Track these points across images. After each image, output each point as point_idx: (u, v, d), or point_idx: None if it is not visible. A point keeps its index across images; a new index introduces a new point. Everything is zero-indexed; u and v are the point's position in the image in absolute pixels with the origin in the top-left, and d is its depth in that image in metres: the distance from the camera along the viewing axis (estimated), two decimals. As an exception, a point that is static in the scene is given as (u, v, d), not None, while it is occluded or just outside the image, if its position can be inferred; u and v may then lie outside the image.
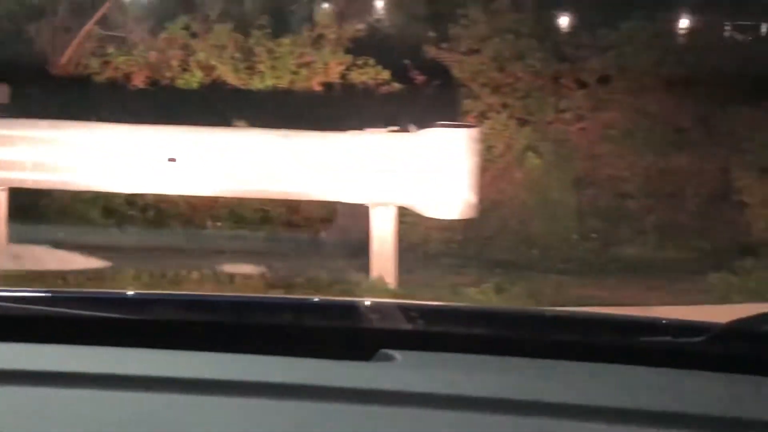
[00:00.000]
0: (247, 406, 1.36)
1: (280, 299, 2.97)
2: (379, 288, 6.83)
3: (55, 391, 1.40)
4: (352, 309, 1.89)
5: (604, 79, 8.62)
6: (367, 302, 1.94)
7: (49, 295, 1.95)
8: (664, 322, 1.81)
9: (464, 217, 7.01)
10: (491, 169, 8.49)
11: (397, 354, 1.55)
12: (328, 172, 6.86)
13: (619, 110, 8.53)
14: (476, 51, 8.75)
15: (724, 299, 6.80)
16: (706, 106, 8.13)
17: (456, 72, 8.77)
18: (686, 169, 8.15)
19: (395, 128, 6.94)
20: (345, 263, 7.32)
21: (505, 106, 8.66)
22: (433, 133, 6.84)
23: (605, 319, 1.97)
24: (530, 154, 8.50)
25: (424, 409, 1.34)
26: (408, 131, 6.92)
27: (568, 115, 8.64)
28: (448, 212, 6.90)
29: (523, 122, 8.63)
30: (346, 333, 1.73)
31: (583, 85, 8.65)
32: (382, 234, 6.95)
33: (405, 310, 1.82)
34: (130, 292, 3.11)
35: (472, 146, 6.92)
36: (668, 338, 1.67)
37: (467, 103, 8.65)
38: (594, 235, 8.26)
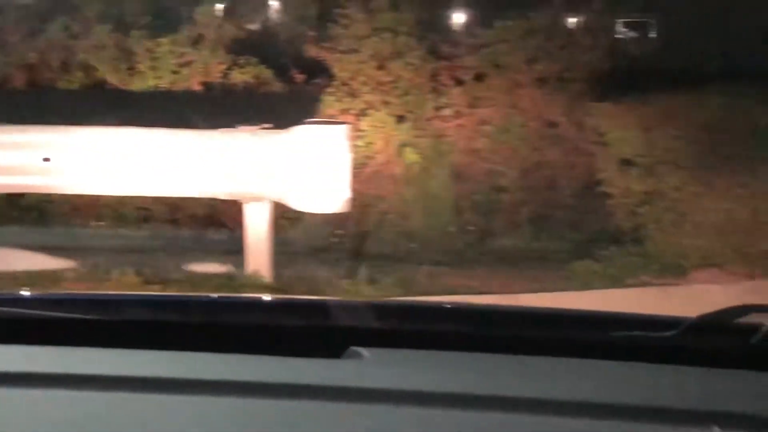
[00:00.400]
0: (217, 405, 1.36)
1: (250, 298, 2.99)
2: (254, 282, 6.98)
3: (23, 392, 1.40)
4: (322, 308, 1.88)
5: (480, 77, 8.86)
6: (337, 301, 2.00)
7: (17, 297, 1.96)
8: (635, 317, 1.80)
9: (339, 211, 7.19)
10: (370, 165, 8.69)
11: (366, 351, 1.56)
12: (202, 169, 6.99)
13: (494, 106, 8.77)
14: (355, 50, 8.93)
15: (586, 286, 7.08)
16: (576, 101, 8.42)
17: (336, 71, 8.94)
18: (557, 162, 8.42)
19: (268, 126, 7.09)
20: (223, 259, 7.45)
21: (384, 103, 8.85)
22: (306, 130, 7.01)
23: (576, 315, 1.97)
24: (409, 149, 8.70)
25: (394, 405, 1.35)
26: (280, 128, 7.07)
27: (445, 112, 8.86)
28: (321, 206, 7.07)
29: (402, 119, 8.83)
30: (316, 331, 1.73)
31: (459, 82, 8.88)
32: (257, 229, 7.09)
33: (374, 308, 1.84)
34: (99, 293, 3.15)
35: (345, 142, 7.09)
36: (639, 333, 1.67)
37: (347, 101, 8.82)
38: (470, 228, 8.50)
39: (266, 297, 3.19)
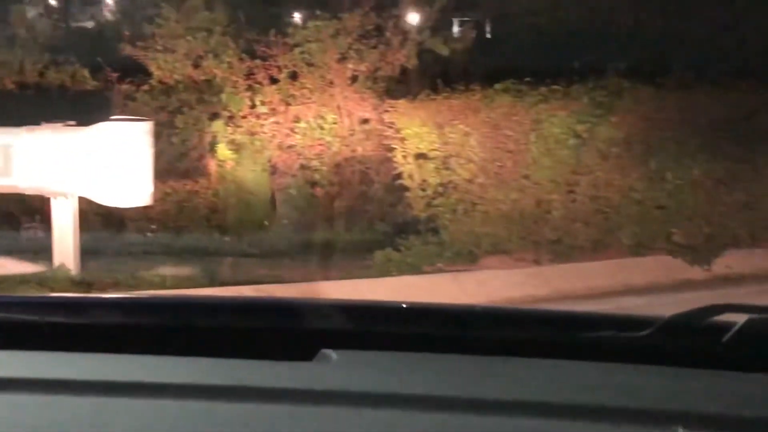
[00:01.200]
0: (186, 408, 1.35)
1: (219, 299, 2.95)
2: (61, 276, 7.14)
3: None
4: (293, 309, 1.89)
5: (294, 75, 9.14)
6: (308, 301, 2.05)
7: None
8: (607, 317, 1.79)
9: (143, 205, 7.40)
10: (185, 161, 8.91)
11: (337, 354, 1.56)
12: (6, 166, 7.12)
13: (308, 104, 9.07)
14: (170, 49, 9.12)
15: (385, 273, 7.45)
16: (385, 99, 8.76)
17: (153, 69, 9.11)
18: (367, 157, 8.77)
19: (71, 123, 7.25)
20: (32, 253, 7.59)
21: (199, 101, 9.07)
22: (110, 126, 7.20)
23: (548, 315, 1.95)
24: (223, 146, 8.94)
25: (366, 408, 1.35)
26: (86, 125, 7.24)
27: (260, 109, 9.11)
28: (124, 201, 7.27)
29: (216, 116, 9.06)
30: (287, 334, 1.71)
31: (274, 80, 9.15)
32: (63, 223, 7.26)
33: (345, 309, 1.84)
34: (63, 296, 3.12)
35: (147, 139, 7.31)
36: (612, 333, 1.66)
37: (162, 99, 9.01)
38: (284, 221, 8.80)
39: (237, 298, 3.16)
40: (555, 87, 7.59)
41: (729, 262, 7.95)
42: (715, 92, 7.87)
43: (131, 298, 2.80)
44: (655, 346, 1.60)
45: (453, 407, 1.36)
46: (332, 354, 1.55)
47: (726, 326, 1.58)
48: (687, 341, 1.60)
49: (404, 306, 2.00)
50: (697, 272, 7.83)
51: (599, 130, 7.55)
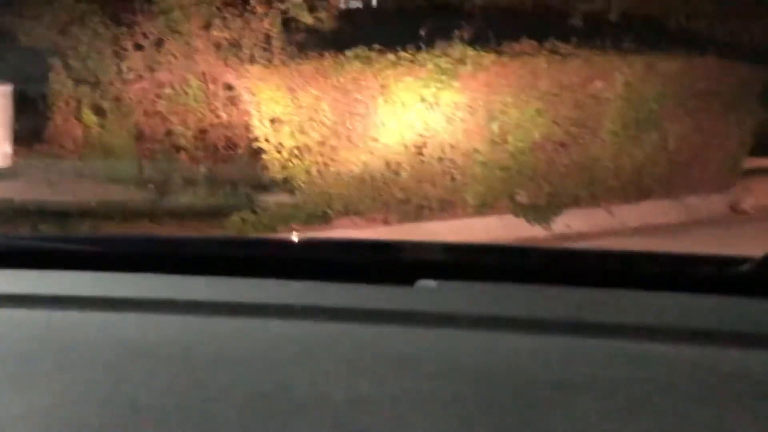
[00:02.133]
0: (288, 328, 1.38)
1: (321, 238, 3.10)
2: None
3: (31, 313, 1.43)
4: (391, 245, 1.99)
5: (159, 42, 9.35)
6: (404, 240, 1.98)
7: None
8: (708, 255, 1.82)
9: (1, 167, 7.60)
10: (50, 126, 9.11)
11: (435, 283, 1.62)
12: None
13: (173, 71, 9.30)
14: (38, 16, 9.27)
15: (242, 233, 7.75)
16: (247, 65, 9.03)
17: (21, 36, 9.26)
18: (230, 123, 9.04)
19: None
20: None
21: (66, 66, 9.26)
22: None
23: (648, 254, 2.00)
24: (88, 111, 9.15)
25: (464, 330, 1.37)
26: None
27: (127, 76, 9.32)
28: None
29: (83, 82, 9.25)
30: (387, 265, 1.77)
31: (140, 47, 9.36)
32: None
33: (443, 247, 1.96)
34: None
35: (8, 102, 7.50)
36: (713, 268, 1.71)
37: (30, 64, 9.16)
38: (150, 186, 9.04)
39: (338, 237, 3.22)
40: (403, 54, 7.95)
41: (568, 220, 8.44)
42: (554, 59, 8.31)
43: (237, 237, 3.06)
44: (755, 280, 1.62)
45: (555, 331, 1.37)
46: (431, 283, 1.61)
47: None
48: None
49: (505, 245, 2.14)
50: (537, 230, 8.30)
51: (444, 95, 7.95)
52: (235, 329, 1.38)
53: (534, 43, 8.47)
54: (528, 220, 8.32)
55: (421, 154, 8.00)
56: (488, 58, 8.07)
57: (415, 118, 7.94)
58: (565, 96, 8.35)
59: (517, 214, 8.31)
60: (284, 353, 1.28)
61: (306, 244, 2.05)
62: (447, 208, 8.15)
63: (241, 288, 1.61)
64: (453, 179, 8.10)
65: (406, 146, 7.94)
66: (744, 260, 1.66)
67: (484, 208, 8.21)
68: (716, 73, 9.27)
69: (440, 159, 8.03)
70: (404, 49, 8.03)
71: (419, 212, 8.04)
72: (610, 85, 8.57)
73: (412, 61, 7.94)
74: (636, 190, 8.93)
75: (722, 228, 8.86)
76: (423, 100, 7.93)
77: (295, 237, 3.51)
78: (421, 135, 7.99)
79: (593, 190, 8.68)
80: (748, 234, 8.60)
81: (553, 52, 8.43)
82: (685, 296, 1.61)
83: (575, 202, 8.60)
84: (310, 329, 1.38)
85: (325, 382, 1.17)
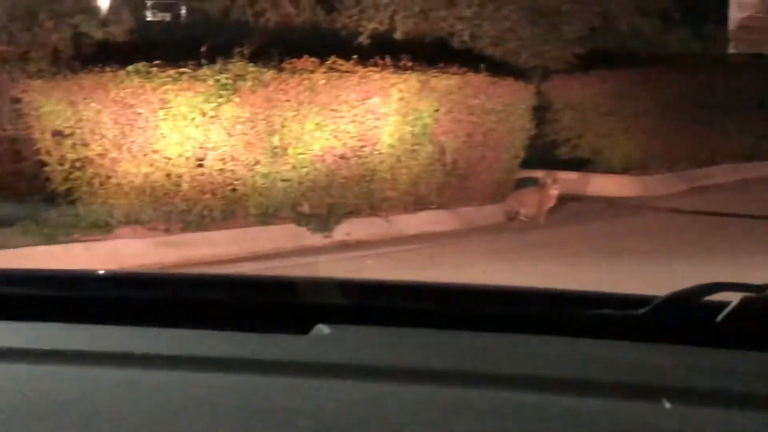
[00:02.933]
0: (182, 380, 1.35)
1: (215, 276, 3.00)
2: None
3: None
4: (289, 285, 1.89)
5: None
6: (304, 278, 1.94)
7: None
8: (604, 295, 1.77)
9: None
10: None
11: (332, 328, 1.57)
12: None
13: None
14: None
15: (24, 244, 7.84)
16: (35, 78, 9.09)
17: None
18: (18, 135, 9.09)
19: None
20: None
21: None
22: None
23: (545, 293, 1.93)
24: None
25: (360, 380, 1.35)
26: None
27: None
28: None
29: None
30: (283, 308, 1.71)
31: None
32: None
33: (341, 285, 1.85)
34: (59, 270, 3.03)
35: None
36: (608, 311, 1.66)
37: None
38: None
39: (232, 275, 3.13)
40: (183, 69, 8.20)
41: (349, 229, 8.83)
42: (333, 76, 8.72)
43: (130, 272, 2.84)
44: (651, 324, 1.59)
45: (447, 381, 1.36)
46: (326, 329, 1.56)
47: (722, 305, 1.57)
48: (682, 319, 1.60)
49: (400, 283, 2.03)
50: (318, 239, 8.66)
51: (224, 109, 8.23)
52: (114, 381, 1.34)
53: (314, 60, 8.84)
54: (310, 229, 8.67)
55: (202, 165, 8.26)
56: (268, 74, 8.40)
57: (195, 132, 8.20)
58: (343, 111, 8.75)
59: (299, 224, 8.64)
60: (158, 408, 1.24)
61: (195, 283, 1.99)
62: (229, 217, 8.42)
63: (121, 336, 1.55)
64: (234, 190, 8.38)
65: (187, 158, 8.19)
66: (641, 302, 1.63)
67: (266, 217, 8.51)
68: (489, 90, 9.85)
69: (221, 171, 8.31)
70: (186, 65, 8.28)
71: (201, 222, 8.29)
72: (386, 100, 9.01)
73: (193, 77, 8.19)
74: (413, 200, 9.40)
75: (494, 234, 9.42)
76: (204, 114, 8.20)
77: (181, 275, 3.39)
78: (202, 148, 8.26)
79: (372, 201, 9.10)
80: (518, 240, 9.19)
81: (332, 69, 8.83)
82: (579, 342, 1.58)
83: (355, 212, 9.00)
84: (190, 381, 1.34)
85: None
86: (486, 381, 1.37)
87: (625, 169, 11.85)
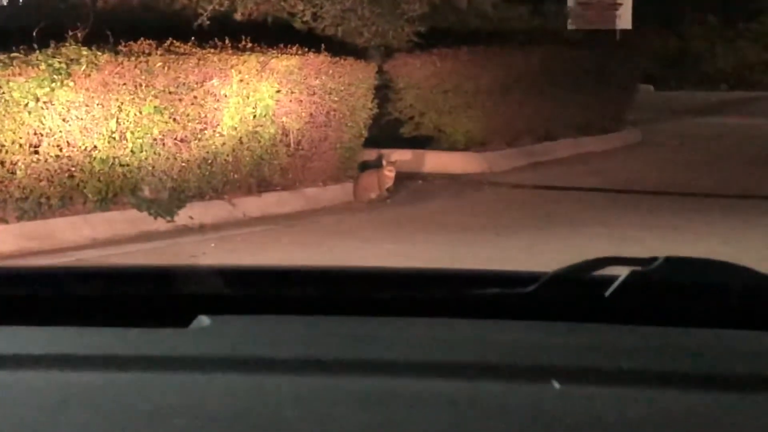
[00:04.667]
0: (61, 379, 1.29)
1: (86, 268, 2.79)
2: None
3: None
4: (169, 275, 1.81)
5: None
6: (184, 267, 1.87)
7: None
8: (491, 274, 1.75)
9: None
10: None
11: (214, 319, 1.51)
12: None
13: None
14: None
15: None
16: None
17: None
18: None
19: None
20: None
21: None
22: None
23: (430, 274, 1.90)
24: None
25: (241, 373, 1.31)
26: None
27: None
28: None
29: None
30: (162, 300, 1.64)
31: None
32: None
33: (222, 274, 1.78)
34: None
35: None
36: (495, 290, 1.61)
37: None
38: None
39: (105, 266, 2.86)
40: (14, 54, 7.98)
41: (191, 213, 8.76)
42: (170, 59, 8.61)
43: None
44: (539, 302, 1.56)
45: (331, 369, 1.33)
46: (207, 320, 1.51)
47: (609, 279, 1.55)
48: (571, 296, 1.57)
49: (284, 269, 1.98)
50: (161, 223, 8.57)
51: (59, 94, 8.05)
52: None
53: (151, 42, 8.72)
54: (151, 214, 8.56)
55: (37, 152, 8.06)
56: (103, 57, 8.24)
57: (29, 118, 7.99)
58: (182, 93, 8.66)
59: (140, 209, 8.53)
60: (31, 410, 1.19)
61: (65, 276, 1.87)
62: (67, 204, 8.26)
63: None
64: (72, 176, 8.22)
65: (21, 145, 7.98)
66: (531, 279, 1.59)
67: (106, 203, 8.37)
68: (330, 70, 9.88)
69: (58, 157, 8.13)
70: (17, 50, 8.06)
71: (38, 209, 8.10)
72: (226, 82, 8.96)
73: (25, 62, 7.98)
74: (257, 182, 9.39)
75: (339, 214, 9.49)
76: (37, 99, 8.00)
77: (53, 268, 3.15)
78: (37, 134, 8.06)
79: (215, 184, 9.05)
80: (362, 219, 9.27)
81: (170, 51, 8.72)
82: (466, 323, 1.56)
83: (198, 196, 8.93)
84: (64, 381, 1.29)
85: None
86: (371, 368, 1.35)
87: (467, 146, 12.06)
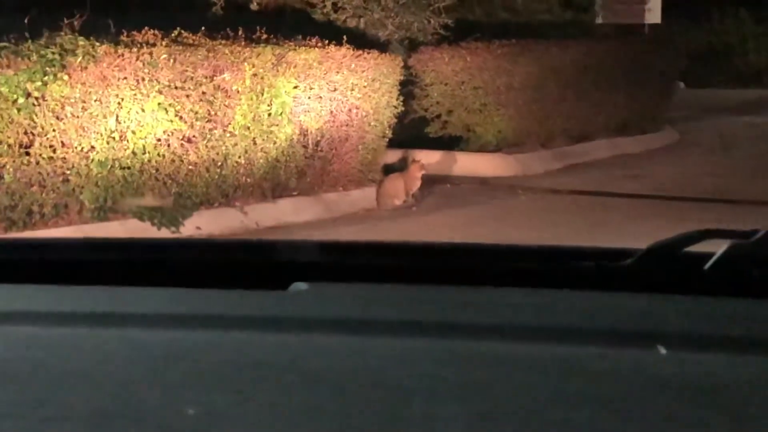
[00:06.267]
0: (167, 337, 1.33)
1: (190, 240, 2.87)
2: None
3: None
4: (264, 246, 1.88)
5: None
6: (279, 240, 1.99)
7: None
8: (588, 249, 1.75)
9: None
10: None
11: (311, 285, 1.55)
12: None
13: None
14: None
15: None
16: None
17: None
18: None
19: None
20: None
21: None
22: None
23: (528, 249, 1.93)
24: None
25: (343, 335, 1.33)
26: None
27: None
28: None
29: None
30: (260, 268, 1.70)
31: None
32: None
33: (316, 246, 1.83)
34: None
35: None
36: (593, 263, 1.63)
37: None
38: None
39: (207, 239, 2.94)
40: (3, 44, 7.16)
41: (199, 222, 7.93)
42: (177, 50, 7.78)
43: (105, 239, 2.65)
44: (637, 274, 1.58)
45: (431, 332, 1.34)
46: (304, 285, 1.55)
47: (708, 254, 1.55)
48: (668, 269, 1.58)
49: (379, 242, 2.03)
50: (165, 234, 7.73)
51: (52, 89, 7.21)
52: (85, 340, 1.32)
53: (156, 32, 7.89)
54: (154, 224, 7.73)
55: (28, 154, 7.23)
56: (102, 48, 7.41)
57: (19, 116, 7.16)
58: (189, 89, 7.82)
59: (142, 218, 7.70)
60: (138, 366, 1.22)
61: (170, 246, 2.00)
62: (62, 213, 7.43)
63: (98, 296, 1.53)
64: (67, 181, 7.39)
65: (10, 146, 7.15)
66: (625, 254, 1.61)
67: (104, 211, 7.54)
68: (352, 64, 9.04)
69: (51, 159, 7.29)
70: (6, 39, 7.23)
71: (29, 218, 7.27)
72: (238, 76, 8.11)
73: (15, 52, 7.15)
74: (272, 187, 8.54)
75: (361, 224, 8.63)
76: (28, 95, 7.16)
77: (159, 240, 3.26)
78: (27, 133, 7.22)
79: (225, 189, 8.21)
80: (386, 230, 8.42)
81: (176, 42, 7.89)
82: (565, 293, 1.57)
83: (207, 202, 8.10)
84: (170, 338, 1.32)
85: (179, 395, 1.13)
86: (474, 331, 1.35)
87: (498, 147, 11.18)
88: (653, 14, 16.81)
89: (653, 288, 1.55)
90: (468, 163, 10.68)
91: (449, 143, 10.98)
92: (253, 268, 1.70)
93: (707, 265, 1.53)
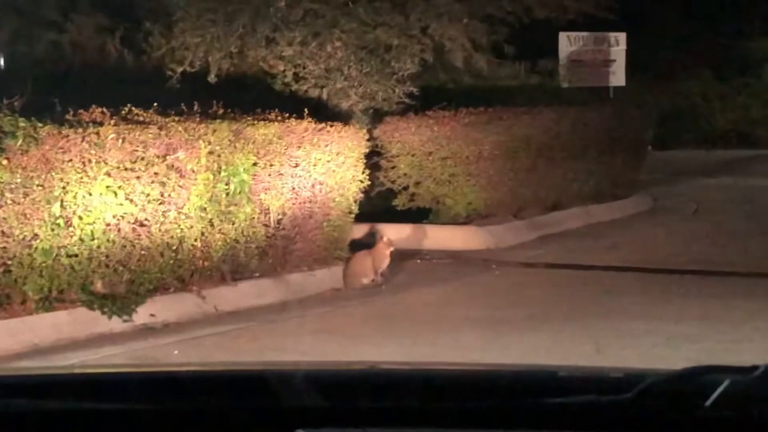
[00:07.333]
0: None
1: (185, 372, 2.51)
2: None
3: None
4: (268, 384, 1.80)
5: None
6: (282, 373, 1.88)
7: None
8: (586, 377, 1.76)
9: None
10: None
11: None
12: None
13: None
14: None
15: None
16: None
17: None
18: None
19: None
20: None
21: None
22: None
23: (528, 377, 1.89)
24: None
25: None
26: None
27: None
28: None
29: None
30: (263, 413, 1.67)
31: None
32: None
33: (320, 383, 1.78)
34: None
35: None
36: (592, 397, 1.61)
37: None
38: None
39: (206, 371, 2.67)
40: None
41: (153, 309, 7.42)
42: (127, 129, 7.31)
43: (103, 372, 2.49)
44: (638, 410, 1.56)
45: None
46: None
47: (708, 389, 1.55)
48: (668, 405, 1.57)
49: (380, 371, 2.01)
50: (116, 323, 7.22)
51: (-11, 174, 6.72)
52: None
53: (105, 110, 7.43)
54: (105, 313, 7.21)
55: (-37, 244, 6.71)
56: (44, 129, 6.92)
57: (-45, 203, 6.65)
58: (140, 170, 7.33)
59: (91, 307, 7.17)
60: None
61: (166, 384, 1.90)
62: (3, 304, 6.90)
63: None
64: (8, 271, 6.87)
65: (-55, 236, 6.62)
66: (628, 384, 1.60)
67: (49, 302, 7.01)
68: (314, 138, 8.61)
69: (-10, 248, 6.77)
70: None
71: (-33, 313, 6.73)
72: (193, 155, 7.64)
73: (-50, 135, 6.66)
74: (231, 269, 8.04)
75: (327, 306, 8.14)
76: (-38, 181, 6.67)
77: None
78: (-38, 222, 6.71)
79: (181, 273, 7.70)
80: (352, 313, 7.94)
81: (126, 119, 7.43)
82: None
83: (162, 288, 7.59)
84: None
85: None
86: None
87: (469, 218, 10.74)
88: (617, 77, 16.66)
89: (656, 426, 1.53)
90: (438, 237, 10.24)
91: (418, 215, 10.54)
92: (255, 414, 1.66)
93: (708, 402, 1.52)
